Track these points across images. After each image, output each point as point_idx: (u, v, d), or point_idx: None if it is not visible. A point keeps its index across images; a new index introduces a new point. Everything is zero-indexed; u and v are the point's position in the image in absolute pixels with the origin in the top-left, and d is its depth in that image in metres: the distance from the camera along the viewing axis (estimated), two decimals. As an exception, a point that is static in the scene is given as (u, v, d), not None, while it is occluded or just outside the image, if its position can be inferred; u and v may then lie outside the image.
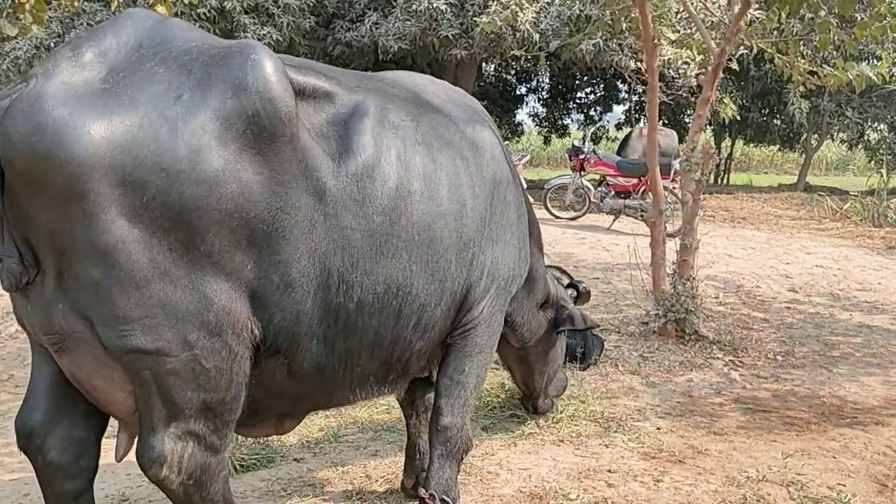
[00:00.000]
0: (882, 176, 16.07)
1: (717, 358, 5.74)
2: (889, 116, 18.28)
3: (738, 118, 9.19)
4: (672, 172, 10.61)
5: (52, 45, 13.17)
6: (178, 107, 2.08)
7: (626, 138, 16.44)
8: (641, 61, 12.40)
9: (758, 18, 7.03)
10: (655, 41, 5.17)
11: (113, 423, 2.45)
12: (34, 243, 2.06)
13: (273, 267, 2.28)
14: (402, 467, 3.56)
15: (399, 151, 2.58)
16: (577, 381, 5.03)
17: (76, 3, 5.16)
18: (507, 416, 4.47)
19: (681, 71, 12.76)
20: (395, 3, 12.84)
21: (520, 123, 25.75)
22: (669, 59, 12.15)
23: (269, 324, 2.32)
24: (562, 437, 4.19)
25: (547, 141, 26.47)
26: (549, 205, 12.45)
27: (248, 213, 2.18)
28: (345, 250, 2.41)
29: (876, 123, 19.00)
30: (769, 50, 6.54)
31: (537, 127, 26.04)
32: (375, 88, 2.69)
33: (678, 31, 6.69)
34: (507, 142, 22.40)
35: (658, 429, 4.38)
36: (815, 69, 6.40)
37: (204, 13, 12.30)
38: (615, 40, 12.16)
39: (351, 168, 2.43)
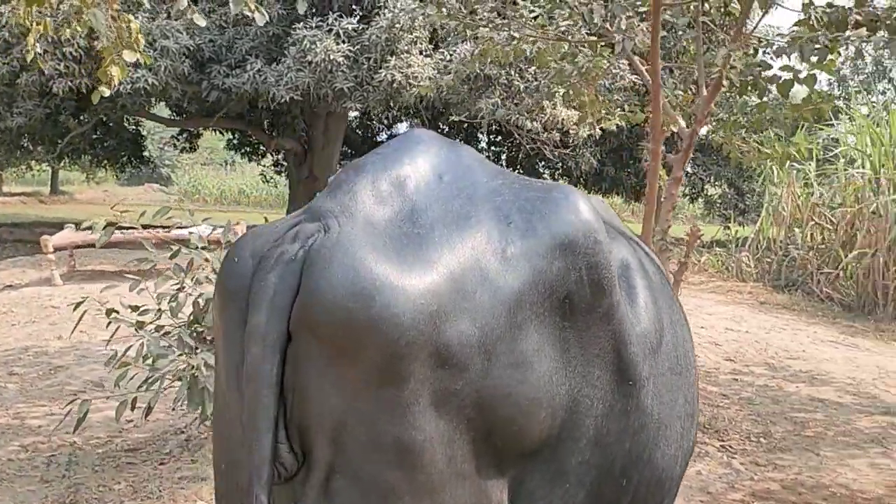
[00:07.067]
0: (730, 228, 17.36)
1: (707, 443, 5.67)
2: (727, 174, 19.73)
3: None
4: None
5: None
6: (502, 268, 1.63)
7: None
8: (535, 121, 12.60)
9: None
10: (665, 128, 5.09)
11: None
12: (309, 429, 1.55)
13: (553, 455, 1.83)
14: None
15: (668, 313, 2.14)
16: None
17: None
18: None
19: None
20: (286, 53, 12.20)
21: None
22: (564, 118, 12.38)
23: None
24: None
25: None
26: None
27: (553, 400, 1.74)
28: (635, 437, 1.95)
29: (718, 181, 20.45)
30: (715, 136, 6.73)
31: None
32: (617, 230, 2.24)
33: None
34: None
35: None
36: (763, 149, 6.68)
37: (70, 52, 11.07)
38: (512, 100, 12.25)
39: (645, 336, 1.97)
